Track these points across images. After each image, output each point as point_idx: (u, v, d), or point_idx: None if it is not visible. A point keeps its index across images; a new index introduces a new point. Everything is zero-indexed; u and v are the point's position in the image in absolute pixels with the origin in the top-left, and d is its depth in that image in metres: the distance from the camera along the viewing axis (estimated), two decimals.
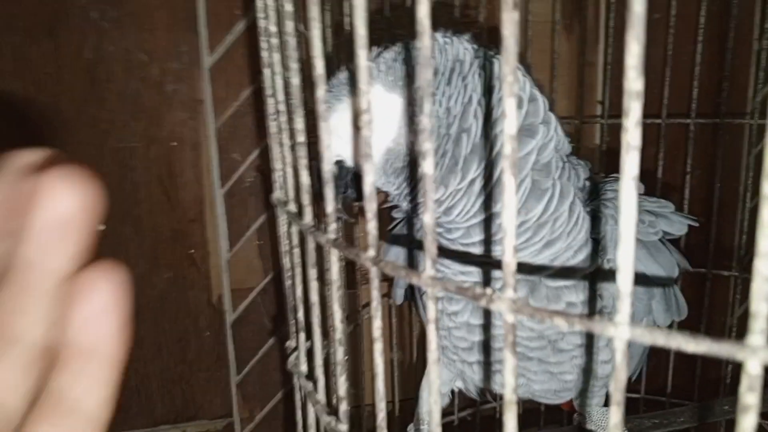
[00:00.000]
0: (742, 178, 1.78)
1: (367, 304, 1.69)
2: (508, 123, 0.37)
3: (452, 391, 1.17)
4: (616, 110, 1.75)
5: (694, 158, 1.68)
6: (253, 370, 1.90)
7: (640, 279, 0.94)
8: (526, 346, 0.98)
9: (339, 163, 0.85)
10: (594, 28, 1.94)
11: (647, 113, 1.68)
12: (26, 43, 1.65)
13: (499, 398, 1.57)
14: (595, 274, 0.92)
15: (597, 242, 0.92)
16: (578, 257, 0.91)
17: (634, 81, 0.32)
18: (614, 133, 1.79)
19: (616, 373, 0.37)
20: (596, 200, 0.93)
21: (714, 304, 1.76)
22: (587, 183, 0.95)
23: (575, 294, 0.92)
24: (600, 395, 1.08)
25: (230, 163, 1.78)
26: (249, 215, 1.81)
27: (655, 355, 1.12)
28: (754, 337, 0.32)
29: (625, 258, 0.35)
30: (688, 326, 1.71)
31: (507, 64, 0.37)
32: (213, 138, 1.76)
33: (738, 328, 1.78)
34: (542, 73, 1.78)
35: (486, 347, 1.00)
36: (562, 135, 0.91)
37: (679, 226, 0.99)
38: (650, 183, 1.72)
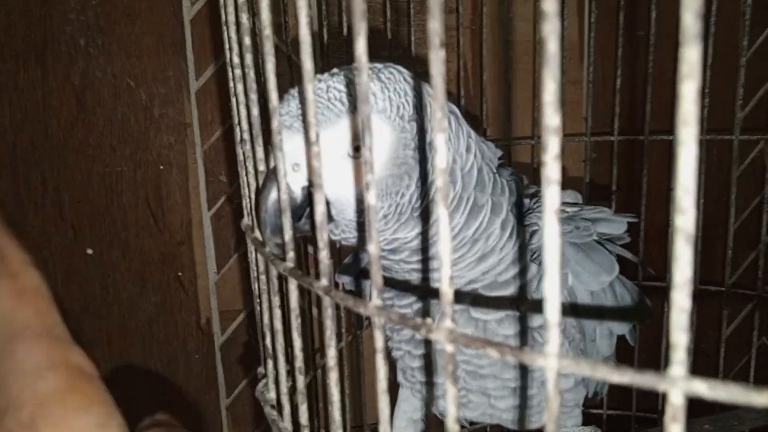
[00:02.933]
0: (732, 194, 1.78)
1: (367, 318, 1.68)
2: (439, 158, 0.38)
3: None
4: (599, 127, 1.76)
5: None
6: (243, 392, 1.89)
7: (582, 283, 0.95)
8: (476, 364, 0.98)
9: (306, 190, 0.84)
10: (578, 46, 1.97)
11: (632, 131, 1.68)
12: (15, 69, 1.67)
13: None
14: (534, 283, 0.94)
15: (534, 251, 0.94)
16: (512, 270, 0.93)
17: (551, 117, 0.33)
18: (597, 149, 1.80)
19: (549, 403, 0.37)
20: (532, 212, 0.95)
21: (703, 319, 1.76)
22: (524, 198, 0.97)
23: (513, 306, 0.94)
24: (574, 416, 1.08)
25: (217, 185, 1.79)
26: (237, 237, 1.82)
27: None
28: (676, 368, 0.33)
29: (551, 288, 0.35)
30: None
31: (436, 101, 0.38)
32: (200, 161, 1.77)
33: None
34: (525, 93, 1.80)
35: (433, 366, 1.01)
36: (485, 147, 0.93)
37: (618, 225, 1.02)
38: (636, 198, 1.73)
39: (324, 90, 0.79)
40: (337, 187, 0.82)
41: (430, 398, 1.09)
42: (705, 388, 0.32)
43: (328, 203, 0.84)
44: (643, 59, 1.67)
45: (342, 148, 0.80)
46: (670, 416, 0.33)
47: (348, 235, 0.87)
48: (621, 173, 1.70)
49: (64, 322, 0.63)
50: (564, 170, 1.70)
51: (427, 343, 1.02)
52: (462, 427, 1.38)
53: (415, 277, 0.91)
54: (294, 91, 0.82)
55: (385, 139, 0.81)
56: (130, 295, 1.80)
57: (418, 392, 1.10)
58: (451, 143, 0.86)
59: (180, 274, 1.81)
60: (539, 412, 1.02)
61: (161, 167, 1.76)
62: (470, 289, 0.93)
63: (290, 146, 0.77)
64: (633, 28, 1.82)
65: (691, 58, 0.30)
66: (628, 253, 1.04)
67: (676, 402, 0.33)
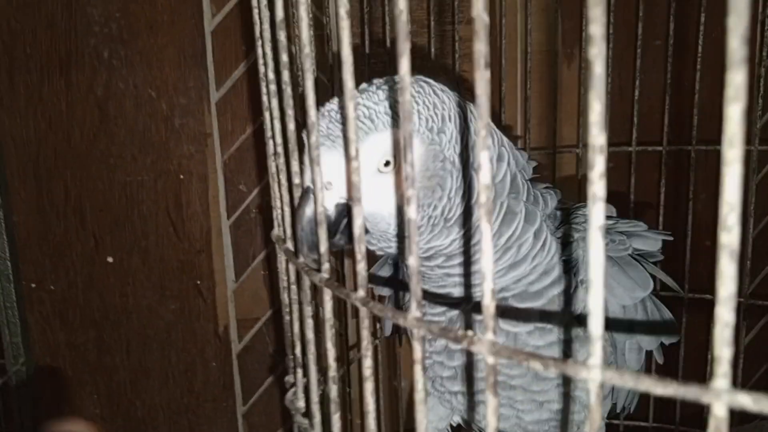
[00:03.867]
0: (750, 205, 1.77)
1: (374, 334, 1.70)
2: (483, 174, 0.39)
3: (452, 426, 1.17)
4: (616, 137, 1.77)
5: (696, 184, 1.69)
6: (260, 400, 1.91)
7: (615, 297, 0.96)
8: (506, 374, 0.99)
9: (339, 206, 0.85)
10: None
11: (649, 141, 1.69)
12: (39, 81, 1.70)
13: None
14: (568, 295, 0.95)
15: (568, 263, 0.95)
16: (545, 280, 0.94)
17: (597, 137, 0.34)
18: (615, 159, 1.81)
19: (591, 414, 0.38)
20: (566, 224, 0.96)
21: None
22: (557, 210, 0.98)
23: (545, 318, 0.94)
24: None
25: (237, 194, 1.81)
26: (255, 246, 1.84)
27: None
28: (719, 381, 0.34)
29: (595, 302, 0.36)
30: (697, 351, 1.70)
31: (481, 119, 0.39)
32: (220, 170, 1.79)
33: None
34: (542, 101, 1.81)
35: (469, 375, 1.02)
36: (519, 156, 0.93)
37: (653, 242, 1.02)
38: (654, 208, 1.73)
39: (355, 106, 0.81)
40: (368, 202, 0.83)
41: (458, 408, 1.10)
42: (749, 401, 0.33)
43: None
44: (661, 69, 1.68)
45: (372, 164, 0.82)
46: (713, 429, 0.34)
47: (383, 245, 0.88)
48: (638, 183, 1.71)
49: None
50: (580, 179, 1.70)
51: (460, 355, 1.02)
52: None
53: (449, 282, 0.92)
54: (324, 110, 0.83)
55: (414, 152, 0.82)
56: (150, 303, 1.82)
57: (447, 402, 1.11)
58: None
59: (199, 282, 1.83)
60: (566, 425, 1.03)
61: (181, 177, 1.79)
62: (500, 297, 0.94)
63: (323, 164, 0.78)
64: (650, 38, 1.83)
65: (736, 81, 0.31)
66: (661, 272, 1.04)
67: (720, 414, 0.34)
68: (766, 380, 1.79)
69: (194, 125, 1.77)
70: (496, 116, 1.63)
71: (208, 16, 1.72)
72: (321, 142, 0.81)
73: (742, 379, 1.77)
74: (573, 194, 1.53)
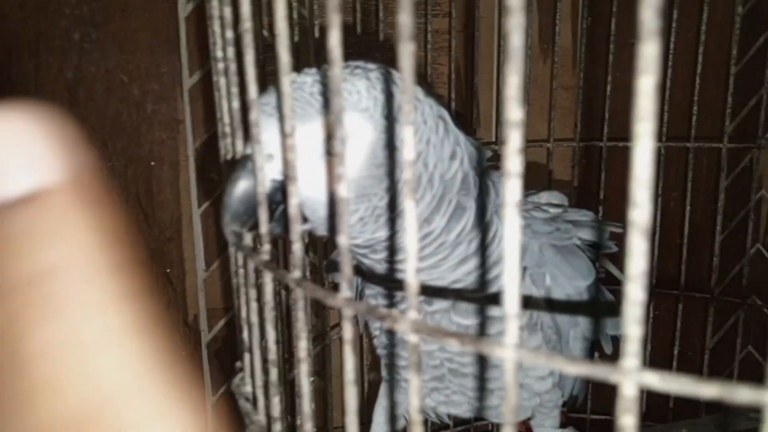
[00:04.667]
0: (719, 203, 1.79)
1: (337, 325, 1.69)
2: (407, 150, 0.39)
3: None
4: (589, 133, 1.77)
5: (667, 181, 1.70)
6: (229, 390, 1.89)
7: (559, 286, 0.96)
8: (459, 362, 0.99)
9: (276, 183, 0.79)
10: (571, 52, 1.98)
11: (622, 137, 1.70)
12: (7, 61, 1.67)
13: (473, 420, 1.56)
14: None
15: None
16: (495, 270, 0.93)
17: (513, 111, 0.34)
18: (587, 155, 1.81)
19: (507, 393, 0.37)
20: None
21: (689, 326, 1.77)
22: None
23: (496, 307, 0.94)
24: (552, 416, 1.09)
25: (208, 182, 1.79)
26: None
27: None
28: (628, 360, 0.33)
29: (510, 279, 0.36)
30: (664, 347, 1.71)
31: (405, 92, 0.38)
32: (192, 158, 1.77)
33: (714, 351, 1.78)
34: None
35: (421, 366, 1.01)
36: (473, 149, 0.92)
37: (599, 232, 1.02)
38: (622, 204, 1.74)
39: (309, 84, 0.78)
40: (310, 186, 0.80)
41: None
42: (656, 380, 0.33)
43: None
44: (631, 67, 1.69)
45: (319, 146, 0.79)
46: (622, 408, 0.34)
47: (324, 234, 0.87)
48: (608, 179, 1.71)
49: None
50: (550, 173, 1.70)
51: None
52: (447, 426, 1.39)
53: (397, 277, 0.92)
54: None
55: (366, 137, 0.79)
56: None
57: (404, 389, 1.11)
58: (435, 149, 0.85)
59: (168, 270, 1.81)
60: (517, 411, 1.03)
61: (152, 163, 1.76)
62: (453, 289, 0.93)
63: (267, 136, 0.75)
64: (624, 36, 1.84)
65: (648, 53, 0.30)
66: (610, 264, 1.04)
67: (628, 394, 0.34)
68: (732, 379, 1.81)
69: (166, 111, 1.75)
70: (468, 111, 1.62)
71: (182, 1, 1.70)
72: (271, 113, 0.77)
73: (708, 377, 1.79)
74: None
